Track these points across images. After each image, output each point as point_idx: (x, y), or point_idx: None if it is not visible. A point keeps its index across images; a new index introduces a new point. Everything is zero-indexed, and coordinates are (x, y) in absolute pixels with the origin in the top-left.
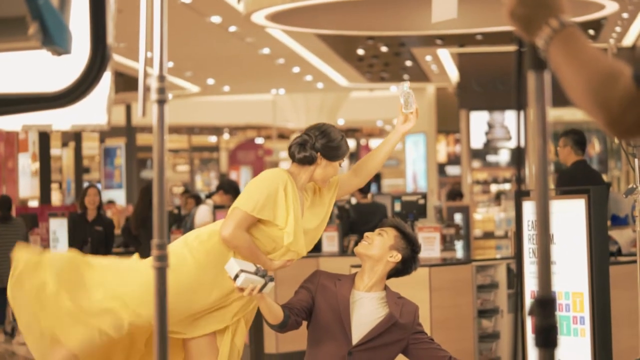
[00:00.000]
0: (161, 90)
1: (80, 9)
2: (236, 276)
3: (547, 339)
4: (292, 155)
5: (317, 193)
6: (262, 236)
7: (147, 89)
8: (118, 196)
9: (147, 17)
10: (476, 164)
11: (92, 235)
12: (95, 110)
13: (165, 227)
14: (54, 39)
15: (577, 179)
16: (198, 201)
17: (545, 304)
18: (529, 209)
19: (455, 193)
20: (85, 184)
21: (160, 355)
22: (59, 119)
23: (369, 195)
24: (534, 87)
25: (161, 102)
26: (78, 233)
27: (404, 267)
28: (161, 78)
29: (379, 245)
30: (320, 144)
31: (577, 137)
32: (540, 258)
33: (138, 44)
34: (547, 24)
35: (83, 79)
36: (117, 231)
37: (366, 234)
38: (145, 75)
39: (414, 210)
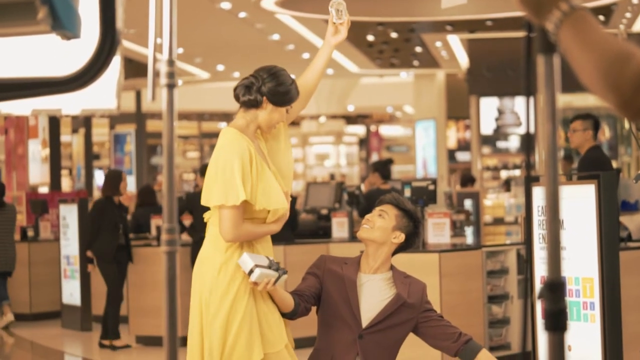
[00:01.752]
0: (170, 75)
1: None
2: (250, 271)
3: (557, 322)
4: (236, 97)
5: (262, 140)
6: (254, 211)
7: (156, 74)
8: (128, 182)
9: (156, 2)
10: (486, 150)
11: (123, 221)
12: (105, 94)
13: (175, 212)
14: (63, 23)
15: (603, 164)
16: None
17: (555, 288)
18: (538, 194)
19: (467, 179)
20: (97, 170)
21: (170, 343)
22: (68, 104)
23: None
24: (543, 72)
25: (170, 86)
26: (110, 218)
27: (408, 243)
28: (170, 62)
29: (382, 228)
30: (267, 87)
31: (596, 121)
32: (550, 243)
33: (148, 30)
34: (557, 7)
35: (92, 63)
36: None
37: (367, 216)
38: (155, 60)
39: (424, 196)
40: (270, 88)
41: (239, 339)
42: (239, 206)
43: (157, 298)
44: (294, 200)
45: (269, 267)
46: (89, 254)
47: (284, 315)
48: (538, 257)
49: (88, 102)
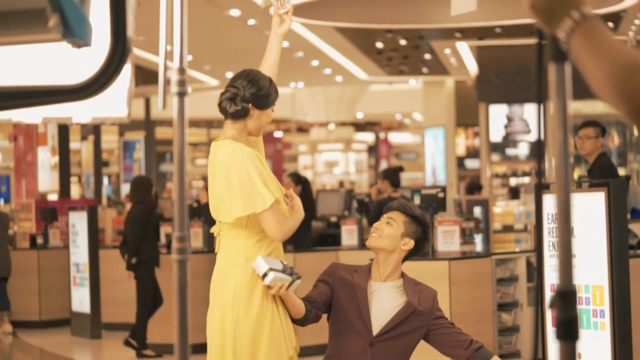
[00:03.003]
0: (181, 83)
1: (100, 1)
2: (264, 274)
3: (568, 331)
4: (223, 112)
5: (250, 142)
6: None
7: (167, 82)
8: None
9: (167, 10)
10: (495, 157)
11: (155, 229)
12: (115, 103)
13: (186, 220)
14: (74, 31)
15: (614, 171)
16: None
17: (566, 297)
18: (549, 202)
19: (474, 186)
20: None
21: (181, 351)
22: (79, 112)
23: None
24: (554, 79)
25: (181, 94)
26: (151, 225)
27: (418, 249)
28: (181, 71)
29: (390, 236)
30: (249, 94)
31: (602, 128)
32: (562, 250)
33: (157, 38)
34: (568, 15)
35: (103, 72)
36: None
37: (375, 225)
38: (166, 68)
39: (434, 203)
40: (252, 94)
41: (271, 349)
42: (275, 205)
43: (167, 305)
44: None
45: (283, 272)
46: (134, 260)
47: (295, 321)
48: (548, 265)
49: (99, 111)
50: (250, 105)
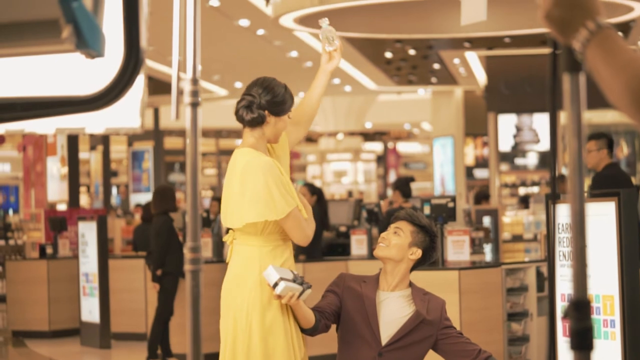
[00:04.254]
0: (194, 94)
1: (113, 12)
2: (275, 284)
3: (583, 341)
4: (240, 120)
5: (272, 153)
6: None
7: (180, 92)
8: (146, 199)
9: (180, 21)
10: (504, 167)
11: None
12: (128, 113)
13: (199, 230)
14: (88, 42)
15: (619, 182)
16: None
17: (581, 307)
18: (560, 212)
19: (481, 195)
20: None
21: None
22: (92, 122)
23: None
24: (569, 90)
25: (194, 105)
26: (175, 237)
27: (426, 258)
28: (194, 81)
29: (398, 246)
30: (265, 101)
31: (610, 140)
32: (576, 260)
33: (166, 48)
34: (583, 26)
35: (116, 82)
36: None
37: (382, 234)
38: (179, 79)
39: (444, 213)
40: (268, 101)
41: (283, 357)
42: (296, 210)
43: (178, 315)
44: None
45: (294, 281)
46: (159, 272)
47: (304, 331)
48: (559, 275)
49: (112, 121)
50: (266, 112)
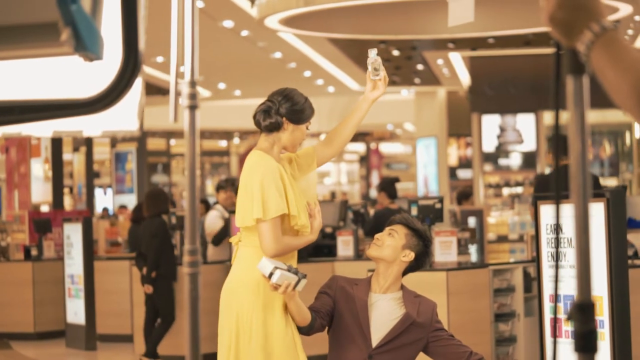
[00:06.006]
0: (192, 96)
1: (111, 15)
2: (271, 274)
3: (587, 344)
4: (257, 124)
5: (293, 164)
6: (285, 228)
7: (178, 94)
8: (130, 201)
9: (178, 24)
10: (488, 167)
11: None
12: (126, 116)
13: (197, 233)
14: (86, 44)
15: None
16: (207, 207)
17: (585, 309)
18: (547, 213)
19: (462, 195)
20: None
21: None
22: (89, 125)
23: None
24: (572, 91)
25: (192, 107)
26: (169, 240)
27: (418, 263)
28: (192, 84)
29: (391, 247)
30: (284, 109)
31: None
32: (580, 262)
33: (151, 49)
34: (588, 28)
35: (115, 85)
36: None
37: (376, 235)
38: (177, 81)
39: (431, 214)
40: (287, 108)
41: (286, 354)
42: (277, 220)
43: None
44: None
45: (289, 271)
46: (154, 274)
47: (301, 329)
48: (546, 275)
49: (109, 124)
50: (284, 119)
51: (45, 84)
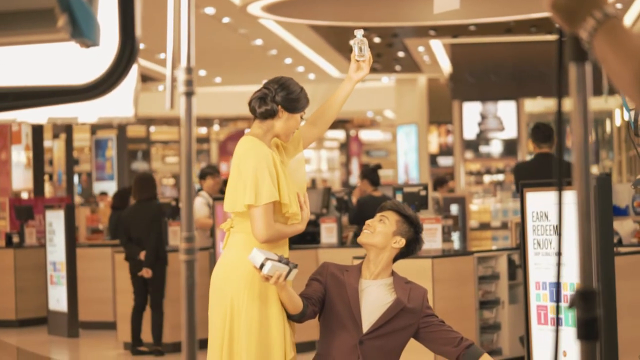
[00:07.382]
0: (188, 83)
1: (108, 2)
2: (262, 265)
3: (590, 331)
4: (252, 110)
5: (280, 149)
6: (276, 217)
7: (174, 80)
8: (110, 187)
9: (175, 10)
10: (469, 154)
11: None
12: (121, 102)
13: (193, 220)
14: (83, 31)
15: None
16: None
17: (588, 297)
18: (533, 200)
19: (438, 182)
20: (76, 176)
21: (189, 351)
22: (85, 112)
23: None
24: (574, 79)
25: (189, 94)
26: (162, 224)
27: (409, 250)
28: (188, 70)
29: (382, 233)
30: (280, 97)
31: (535, 130)
32: (581, 249)
33: (145, 37)
34: (590, 15)
35: (111, 72)
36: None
37: (367, 221)
38: (173, 68)
39: (416, 201)
40: (283, 97)
41: (278, 340)
42: (269, 206)
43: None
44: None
45: (279, 261)
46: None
47: (292, 317)
48: (533, 263)
49: (105, 110)
50: (279, 107)
51: (41, 70)
